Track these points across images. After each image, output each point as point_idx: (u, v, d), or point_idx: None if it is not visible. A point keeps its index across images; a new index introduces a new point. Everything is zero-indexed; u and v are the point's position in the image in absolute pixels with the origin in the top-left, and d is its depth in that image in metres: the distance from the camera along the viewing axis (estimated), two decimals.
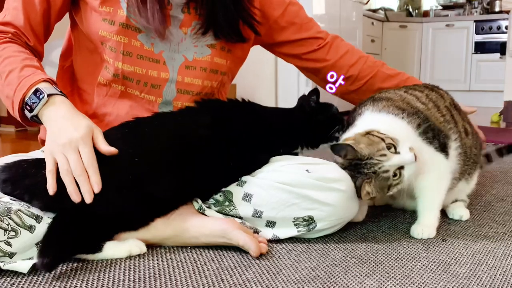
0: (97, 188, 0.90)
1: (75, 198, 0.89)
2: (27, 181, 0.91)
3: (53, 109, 0.98)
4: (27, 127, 3.19)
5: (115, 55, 1.10)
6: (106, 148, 0.94)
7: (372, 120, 1.06)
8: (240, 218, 1.04)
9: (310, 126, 1.15)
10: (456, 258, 0.94)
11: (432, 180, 1.08)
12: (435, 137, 1.07)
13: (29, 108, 0.99)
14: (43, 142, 1.21)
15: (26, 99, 0.99)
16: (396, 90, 1.19)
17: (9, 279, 0.83)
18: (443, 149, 1.07)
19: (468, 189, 1.25)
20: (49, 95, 0.98)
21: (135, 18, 1.09)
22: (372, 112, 1.08)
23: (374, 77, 1.34)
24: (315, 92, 1.17)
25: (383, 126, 1.02)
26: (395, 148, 0.97)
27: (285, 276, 0.85)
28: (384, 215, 1.18)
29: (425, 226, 1.07)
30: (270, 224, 1.03)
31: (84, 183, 0.90)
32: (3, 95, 1.05)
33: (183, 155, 0.99)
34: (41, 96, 0.98)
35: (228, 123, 1.08)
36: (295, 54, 1.35)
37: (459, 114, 1.20)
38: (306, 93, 1.19)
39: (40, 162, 0.93)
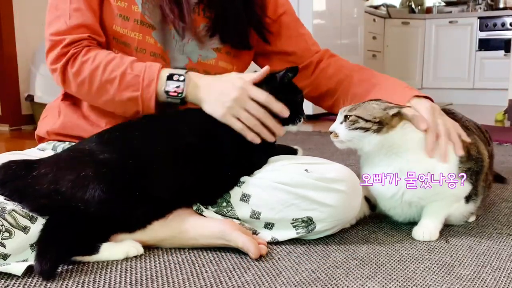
0: (282, 132, 1.03)
1: (271, 138, 1.02)
2: (16, 183, 0.90)
3: (197, 83, 1.02)
4: (22, 126, 3.18)
5: (128, 51, 1.09)
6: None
7: None
8: (238, 219, 1.02)
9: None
10: (459, 259, 0.93)
11: (443, 201, 1.06)
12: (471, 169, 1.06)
13: (174, 93, 1.01)
14: (40, 139, 1.20)
15: (163, 89, 1.01)
16: None
17: (3, 281, 0.81)
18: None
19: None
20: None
21: (150, 15, 1.08)
22: None
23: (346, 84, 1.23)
24: (293, 70, 1.06)
25: None
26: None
27: (285, 278, 0.84)
28: (386, 216, 1.16)
29: (427, 228, 1.05)
30: (269, 225, 1.01)
31: (262, 129, 1.01)
32: (121, 100, 1.03)
33: (180, 156, 0.97)
34: (181, 78, 1.01)
35: (218, 126, 1.05)
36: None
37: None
38: None
39: (30, 164, 0.92)
